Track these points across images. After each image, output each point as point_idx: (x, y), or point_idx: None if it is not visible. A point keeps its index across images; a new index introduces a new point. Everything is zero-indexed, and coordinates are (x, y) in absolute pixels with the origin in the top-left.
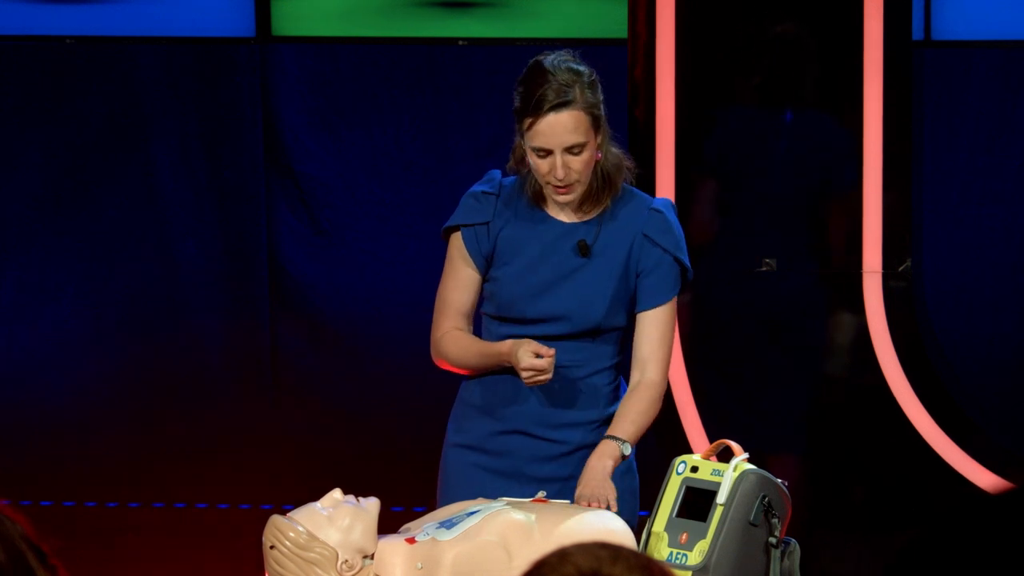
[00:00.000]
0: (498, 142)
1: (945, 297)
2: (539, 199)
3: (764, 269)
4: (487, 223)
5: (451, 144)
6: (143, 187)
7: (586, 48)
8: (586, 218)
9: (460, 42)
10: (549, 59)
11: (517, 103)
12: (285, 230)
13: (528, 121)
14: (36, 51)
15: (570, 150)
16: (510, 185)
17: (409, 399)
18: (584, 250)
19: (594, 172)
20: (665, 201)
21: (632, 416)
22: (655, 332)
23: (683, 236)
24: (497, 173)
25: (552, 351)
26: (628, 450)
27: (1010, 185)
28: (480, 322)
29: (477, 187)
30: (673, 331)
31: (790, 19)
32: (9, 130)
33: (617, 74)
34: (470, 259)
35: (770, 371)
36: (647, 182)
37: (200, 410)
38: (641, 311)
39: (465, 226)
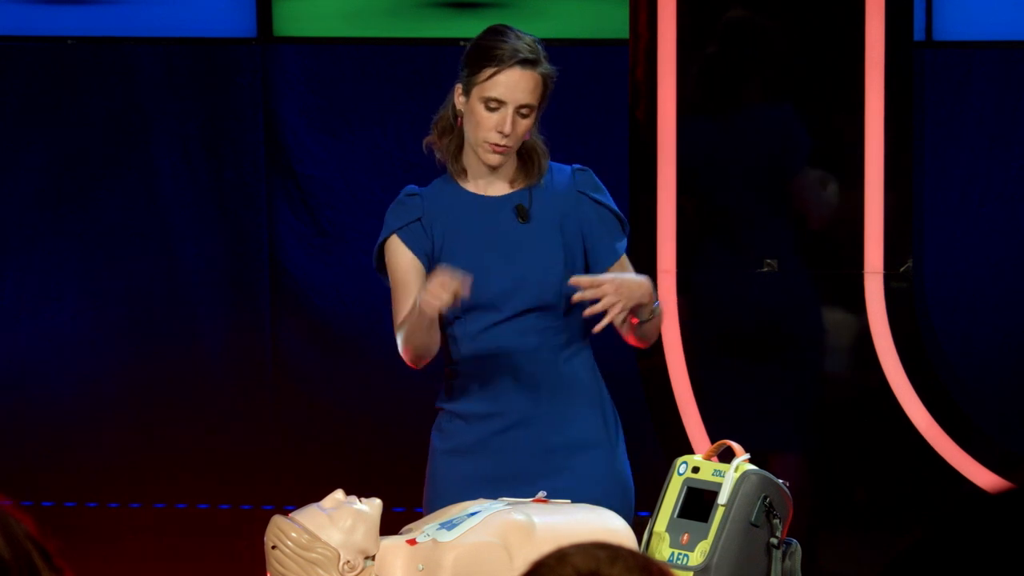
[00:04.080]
0: None
1: (945, 297)
2: (464, 180)
3: (765, 269)
4: (419, 219)
5: None
6: (144, 187)
7: (587, 48)
8: (513, 190)
9: (462, 43)
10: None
11: (475, 54)
12: (286, 231)
13: (490, 71)
14: (36, 51)
15: (521, 110)
16: (431, 185)
17: (409, 399)
18: (522, 213)
19: (533, 144)
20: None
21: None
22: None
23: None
24: (414, 186)
25: (463, 281)
26: (658, 310)
27: (1011, 186)
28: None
29: (396, 200)
30: None
31: (791, 20)
32: (10, 130)
33: (618, 75)
34: (413, 255)
35: (771, 372)
36: (648, 182)
37: (200, 410)
38: (604, 269)
39: (398, 229)
